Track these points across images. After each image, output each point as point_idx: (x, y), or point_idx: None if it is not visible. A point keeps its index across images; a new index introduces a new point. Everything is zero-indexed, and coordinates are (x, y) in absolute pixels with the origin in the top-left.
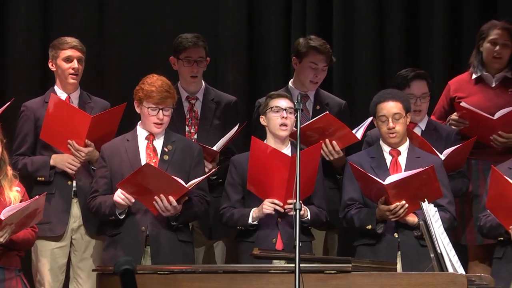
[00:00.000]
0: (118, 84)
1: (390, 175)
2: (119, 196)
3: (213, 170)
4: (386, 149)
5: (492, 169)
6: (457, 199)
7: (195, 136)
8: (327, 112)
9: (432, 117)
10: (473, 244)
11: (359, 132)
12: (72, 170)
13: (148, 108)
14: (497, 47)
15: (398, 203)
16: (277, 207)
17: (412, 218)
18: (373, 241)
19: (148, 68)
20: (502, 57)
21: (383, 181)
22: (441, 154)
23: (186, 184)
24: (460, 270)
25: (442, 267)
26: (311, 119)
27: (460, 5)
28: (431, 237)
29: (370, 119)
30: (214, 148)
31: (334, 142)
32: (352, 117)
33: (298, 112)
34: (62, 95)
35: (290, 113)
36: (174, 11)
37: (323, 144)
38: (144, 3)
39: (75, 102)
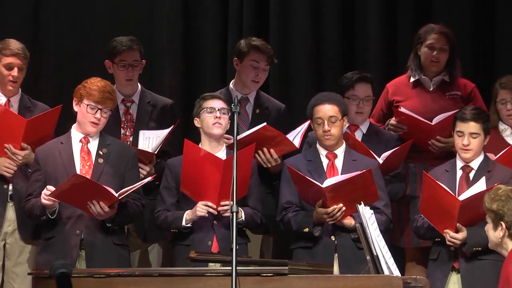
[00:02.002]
0: (53, 86)
1: (326, 178)
2: (44, 197)
3: (149, 178)
4: (322, 152)
5: (424, 175)
6: (394, 202)
7: (131, 139)
8: (265, 123)
9: (371, 120)
10: (410, 246)
11: (296, 140)
12: (8, 173)
13: (87, 105)
14: (435, 52)
15: (335, 206)
16: (211, 210)
17: (349, 221)
18: (310, 244)
19: (83, 71)
20: (439, 61)
21: (321, 184)
22: (379, 158)
23: (121, 188)
24: (396, 272)
25: (378, 269)
26: (250, 122)
27: (395, 5)
28: (367, 240)
29: (306, 124)
30: (150, 150)
31: (272, 150)
32: (290, 121)
33: (235, 115)
34: (2, 98)
35: (224, 113)
36: (110, 14)
37: (260, 153)
38: (79, 6)
39: (15, 106)
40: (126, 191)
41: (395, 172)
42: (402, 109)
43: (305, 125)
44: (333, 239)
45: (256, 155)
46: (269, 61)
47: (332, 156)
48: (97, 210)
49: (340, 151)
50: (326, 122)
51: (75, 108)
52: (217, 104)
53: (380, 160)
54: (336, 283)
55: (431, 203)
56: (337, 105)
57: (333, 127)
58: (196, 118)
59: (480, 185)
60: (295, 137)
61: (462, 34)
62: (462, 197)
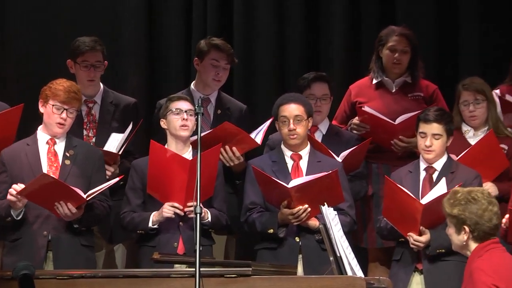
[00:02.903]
0: (16, 86)
1: (291, 179)
2: (11, 194)
3: (117, 179)
4: (287, 153)
5: (385, 179)
6: (358, 203)
7: (94, 140)
8: (226, 121)
9: (334, 122)
10: (373, 247)
11: (258, 137)
12: None
13: (53, 106)
14: (396, 54)
15: (301, 207)
16: (177, 211)
17: (314, 222)
18: (274, 245)
19: (46, 71)
20: (401, 63)
21: (286, 184)
22: (338, 158)
23: (88, 190)
24: (359, 273)
25: (341, 270)
26: (212, 123)
27: (358, 7)
28: (331, 241)
29: (268, 122)
30: (114, 150)
31: (234, 148)
32: (253, 122)
33: (199, 116)
34: None
35: (191, 115)
36: (73, 14)
37: (223, 151)
38: (42, 5)
39: None
40: (94, 192)
41: (356, 172)
42: (366, 108)
43: (267, 123)
44: (298, 240)
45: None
46: (229, 60)
47: (296, 157)
48: (64, 211)
49: (305, 152)
50: (291, 121)
51: (41, 109)
52: (184, 105)
53: (339, 159)
54: (300, 284)
55: (393, 206)
56: (302, 105)
57: (298, 126)
58: (162, 119)
59: (441, 188)
60: (257, 134)
61: (425, 35)
62: (424, 201)
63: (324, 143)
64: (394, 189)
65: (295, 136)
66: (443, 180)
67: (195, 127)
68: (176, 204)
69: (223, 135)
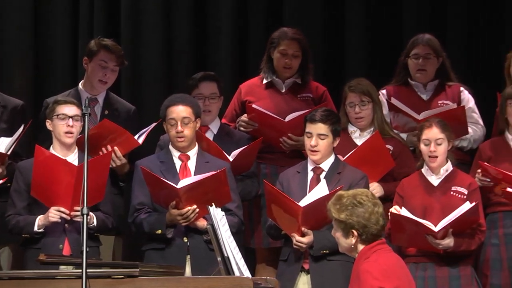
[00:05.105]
0: None
1: (179, 179)
2: None
3: (1, 181)
4: (175, 153)
5: (264, 183)
6: (246, 203)
7: None
8: (105, 118)
9: (223, 120)
10: (260, 247)
11: (141, 138)
12: None
13: None
14: (287, 59)
15: (189, 207)
16: (63, 215)
17: (202, 223)
18: (162, 245)
19: None
20: (292, 67)
21: (175, 184)
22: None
23: None
24: (246, 273)
25: (229, 270)
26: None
27: (245, 7)
28: (218, 241)
29: (153, 124)
30: (2, 150)
31: (116, 148)
32: (141, 123)
33: (86, 117)
34: None
35: (76, 120)
36: None
37: (104, 150)
38: None
39: None
40: None
41: (247, 172)
42: (255, 106)
43: (151, 126)
44: (186, 240)
45: (101, 154)
46: (118, 62)
47: (185, 158)
48: None
49: (193, 153)
50: (179, 123)
51: None
52: (70, 111)
53: (230, 158)
54: (187, 284)
55: (275, 208)
56: (190, 106)
57: (186, 128)
58: (48, 120)
59: (321, 189)
60: (141, 135)
61: (312, 37)
62: (303, 203)
63: (215, 142)
64: (273, 192)
65: (183, 138)
66: (323, 181)
67: (82, 128)
68: (62, 209)
69: (104, 133)
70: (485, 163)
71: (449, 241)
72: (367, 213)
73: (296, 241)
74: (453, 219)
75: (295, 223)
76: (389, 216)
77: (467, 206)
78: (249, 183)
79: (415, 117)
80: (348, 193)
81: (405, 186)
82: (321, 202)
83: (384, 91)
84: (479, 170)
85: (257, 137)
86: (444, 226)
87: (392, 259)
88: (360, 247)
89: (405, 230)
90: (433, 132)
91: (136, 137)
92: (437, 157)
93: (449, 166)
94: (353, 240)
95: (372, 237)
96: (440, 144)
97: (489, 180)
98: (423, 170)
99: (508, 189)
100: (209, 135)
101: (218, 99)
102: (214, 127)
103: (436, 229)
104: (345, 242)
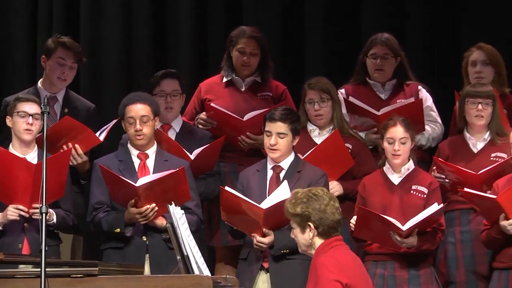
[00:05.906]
0: None
1: (138, 178)
2: None
3: None
4: (134, 152)
5: (221, 189)
6: (206, 202)
7: None
8: (66, 115)
9: (183, 118)
10: (220, 245)
11: (102, 135)
12: None
13: None
14: (245, 57)
15: (148, 206)
16: (22, 213)
17: (161, 221)
18: (121, 244)
19: None
20: (250, 65)
21: (134, 183)
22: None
23: None
24: (206, 272)
25: (188, 269)
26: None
27: (205, 5)
28: (178, 240)
29: (114, 121)
30: None
31: (76, 145)
32: (100, 121)
33: (45, 115)
34: None
35: (36, 119)
36: None
37: (65, 147)
38: None
39: None
40: None
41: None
42: (213, 104)
43: (112, 123)
44: (145, 239)
45: (61, 151)
46: (76, 59)
47: (143, 156)
48: None
49: (152, 151)
50: (138, 122)
51: None
52: (31, 109)
53: (192, 157)
54: (147, 283)
55: (232, 211)
56: (149, 104)
57: (144, 126)
58: (8, 117)
59: (283, 191)
60: (101, 132)
61: (272, 36)
62: (265, 205)
63: (178, 141)
64: (231, 198)
65: (141, 136)
66: (285, 183)
67: (41, 128)
68: (20, 207)
69: (64, 131)
70: (441, 159)
71: (413, 240)
72: (323, 205)
73: (257, 241)
74: (421, 219)
75: (256, 225)
76: (355, 211)
77: (435, 207)
78: (212, 182)
79: (374, 113)
80: (303, 189)
81: (366, 185)
82: (283, 204)
83: (343, 90)
84: (434, 168)
85: (219, 135)
86: (412, 226)
87: (349, 256)
88: (318, 242)
89: (370, 225)
90: (398, 131)
91: (97, 134)
92: (400, 155)
93: (410, 165)
94: (310, 234)
95: (328, 230)
96: (404, 143)
97: (444, 176)
98: (384, 168)
99: (466, 189)
100: (171, 133)
101: (180, 96)
102: (177, 125)
103: (404, 228)
104: (302, 238)
